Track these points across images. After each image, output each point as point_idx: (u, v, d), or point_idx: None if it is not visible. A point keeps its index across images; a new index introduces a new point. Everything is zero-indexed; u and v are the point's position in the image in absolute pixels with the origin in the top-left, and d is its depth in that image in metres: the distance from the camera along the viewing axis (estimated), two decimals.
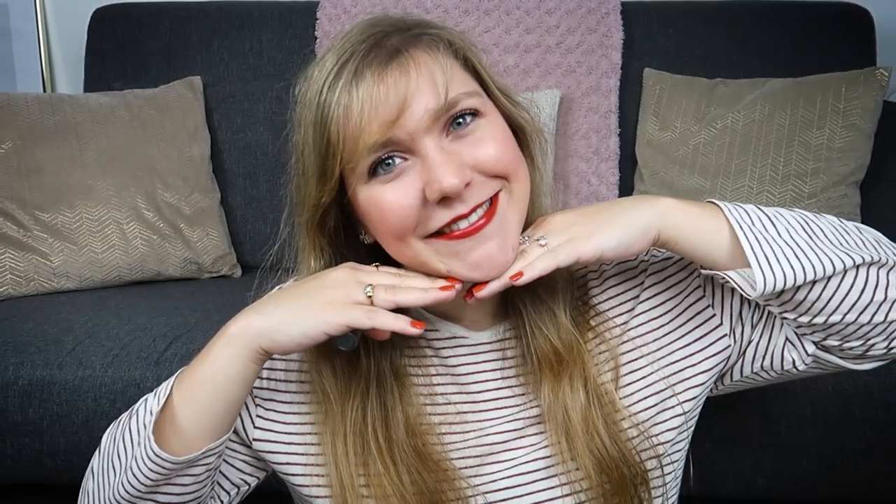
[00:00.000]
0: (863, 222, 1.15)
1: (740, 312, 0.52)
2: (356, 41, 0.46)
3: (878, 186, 1.11)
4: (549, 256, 0.46)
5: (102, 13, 1.34)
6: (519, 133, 0.50)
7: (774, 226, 0.46)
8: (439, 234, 0.46)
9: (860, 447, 0.80)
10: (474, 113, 0.46)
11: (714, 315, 0.52)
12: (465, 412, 0.52)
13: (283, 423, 0.52)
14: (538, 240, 0.48)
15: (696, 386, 0.52)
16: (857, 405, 0.79)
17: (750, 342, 0.52)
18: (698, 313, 0.52)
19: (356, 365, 0.50)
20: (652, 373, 0.51)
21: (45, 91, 1.47)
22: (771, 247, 0.45)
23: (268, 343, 0.46)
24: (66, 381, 0.83)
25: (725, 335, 0.52)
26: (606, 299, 0.54)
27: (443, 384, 0.52)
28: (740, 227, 0.45)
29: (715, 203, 0.48)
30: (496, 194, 0.47)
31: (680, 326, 0.52)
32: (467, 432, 0.51)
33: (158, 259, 1.14)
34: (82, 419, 0.83)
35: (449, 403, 0.51)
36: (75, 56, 1.42)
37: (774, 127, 1.12)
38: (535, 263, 0.46)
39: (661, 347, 0.52)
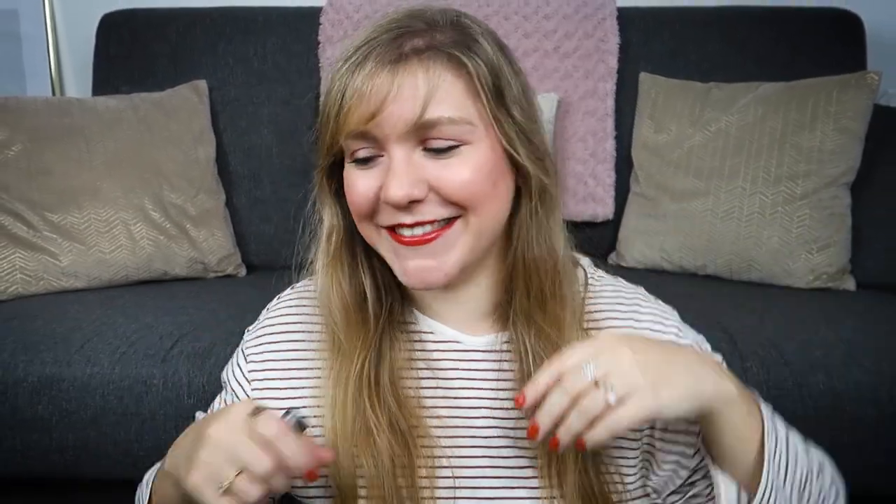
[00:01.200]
0: (853, 223, 1.18)
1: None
2: (383, 28, 0.47)
3: (869, 188, 1.12)
4: (613, 422, 0.42)
5: (110, 18, 1.36)
6: (521, 171, 0.49)
7: (786, 474, 0.46)
8: (392, 229, 0.48)
9: (850, 442, 0.81)
10: (455, 141, 0.46)
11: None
12: (443, 406, 0.52)
13: (279, 388, 0.53)
14: (605, 391, 0.42)
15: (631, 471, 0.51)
16: (847, 402, 0.80)
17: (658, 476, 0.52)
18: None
19: (367, 317, 0.52)
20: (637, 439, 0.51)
21: (53, 94, 1.49)
22: (774, 491, 0.45)
23: None
24: (75, 379, 0.84)
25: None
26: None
27: (427, 383, 0.53)
28: (769, 461, 0.45)
29: (761, 412, 0.47)
30: (455, 218, 0.47)
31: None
32: (450, 408, 0.51)
33: (165, 259, 1.16)
34: (90, 416, 0.84)
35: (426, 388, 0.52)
36: (83, 60, 1.44)
37: (767, 129, 1.14)
38: (598, 431, 0.42)
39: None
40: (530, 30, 1.28)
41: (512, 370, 0.52)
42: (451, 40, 0.47)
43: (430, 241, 0.47)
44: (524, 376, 0.50)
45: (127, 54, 1.34)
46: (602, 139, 1.27)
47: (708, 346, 0.55)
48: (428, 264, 0.47)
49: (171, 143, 1.21)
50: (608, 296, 0.55)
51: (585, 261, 0.57)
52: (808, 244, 1.09)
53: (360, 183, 0.47)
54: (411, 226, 0.47)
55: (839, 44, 1.24)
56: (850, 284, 1.10)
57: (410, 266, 0.47)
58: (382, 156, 0.47)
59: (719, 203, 1.14)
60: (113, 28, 1.35)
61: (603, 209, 1.27)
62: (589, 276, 0.56)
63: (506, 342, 0.53)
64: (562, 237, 0.52)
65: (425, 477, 0.50)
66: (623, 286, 0.57)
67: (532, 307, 0.51)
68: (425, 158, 0.46)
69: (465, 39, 0.48)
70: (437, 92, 0.45)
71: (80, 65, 1.48)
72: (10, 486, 0.93)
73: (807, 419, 0.81)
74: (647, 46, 1.30)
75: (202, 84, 1.29)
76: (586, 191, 1.26)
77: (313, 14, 1.33)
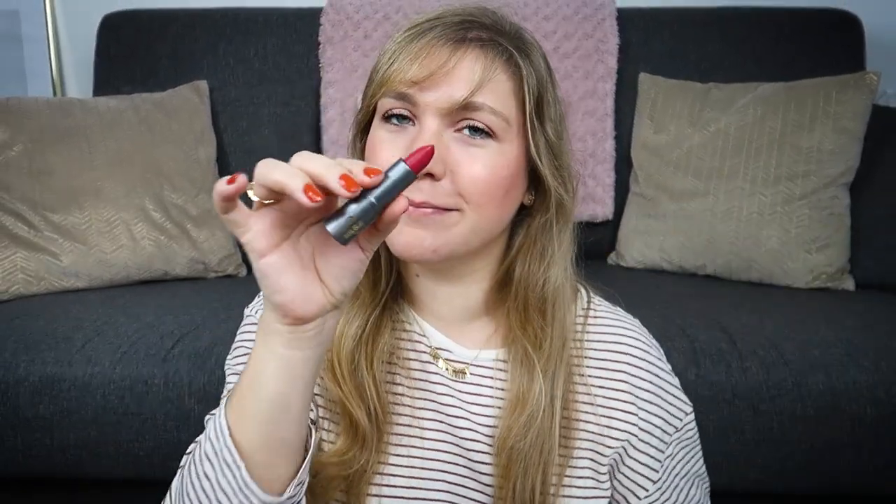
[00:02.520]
0: (852, 223, 1.18)
1: None
2: (450, 12, 0.49)
3: (868, 188, 1.12)
4: None
5: (111, 19, 1.36)
6: (540, 186, 0.50)
7: None
8: None
9: (848, 441, 0.81)
10: (489, 133, 0.47)
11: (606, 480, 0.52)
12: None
13: None
14: None
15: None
16: (845, 401, 0.80)
17: None
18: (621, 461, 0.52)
19: (378, 277, 0.52)
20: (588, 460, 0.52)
21: (55, 95, 1.49)
22: None
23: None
24: (76, 378, 0.84)
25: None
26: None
27: (399, 381, 0.53)
28: None
29: None
30: (455, 210, 0.46)
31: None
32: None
33: (166, 259, 1.16)
34: (91, 415, 0.84)
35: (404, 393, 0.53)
36: (85, 61, 1.44)
37: (766, 130, 1.14)
38: None
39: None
40: (530, 30, 1.28)
41: (492, 387, 0.53)
42: (513, 44, 0.49)
43: (426, 214, 0.46)
44: (507, 395, 0.51)
45: (128, 55, 1.34)
46: (601, 139, 1.27)
47: (683, 396, 0.55)
48: (420, 234, 0.46)
49: (172, 144, 1.21)
50: (605, 330, 0.55)
51: (584, 292, 0.57)
52: (807, 244, 1.09)
53: (385, 141, 0.47)
54: (418, 205, 0.46)
55: (838, 44, 1.24)
56: (849, 284, 1.10)
57: (404, 233, 0.46)
58: (414, 124, 0.47)
59: (719, 203, 1.14)
60: (114, 29, 1.35)
61: (602, 209, 1.27)
62: (588, 303, 0.55)
63: (494, 360, 0.53)
64: (565, 260, 0.52)
65: (382, 462, 0.51)
66: (622, 322, 0.56)
67: (516, 323, 0.51)
68: (453, 142, 0.47)
69: (525, 47, 0.50)
70: (490, 82, 0.47)
71: (81, 65, 1.48)
72: (11, 486, 0.94)
73: (806, 419, 0.81)
74: (646, 47, 1.30)
75: (203, 84, 1.29)
76: (586, 191, 1.26)
77: (314, 15, 1.34)
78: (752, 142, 1.14)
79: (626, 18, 1.30)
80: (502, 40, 0.49)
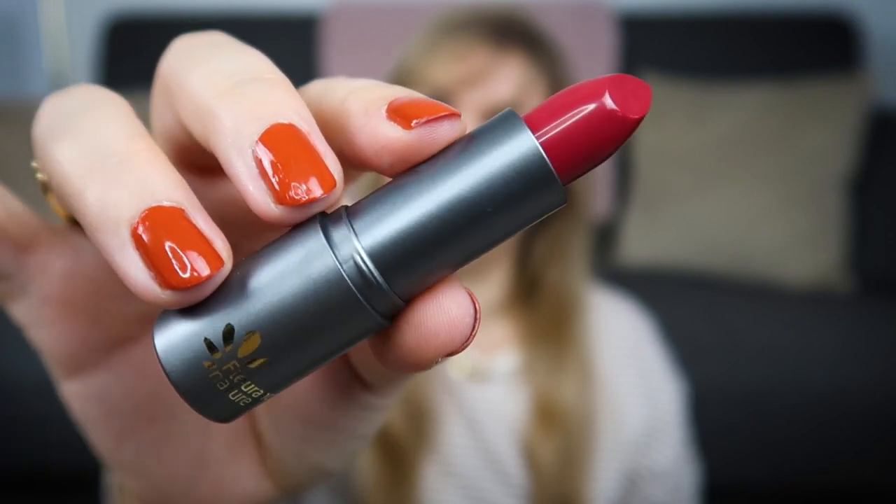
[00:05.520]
0: (853, 223, 1.17)
1: None
2: (488, 11, 0.47)
3: (869, 188, 1.12)
4: None
5: (111, 21, 1.37)
6: None
7: None
8: None
9: (851, 442, 0.81)
10: None
11: None
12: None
13: None
14: None
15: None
16: (845, 401, 0.80)
17: None
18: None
19: None
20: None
21: None
22: None
23: None
24: None
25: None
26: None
27: None
28: None
29: None
30: None
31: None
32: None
33: None
34: None
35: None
36: (84, 63, 1.45)
37: (767, 129, 1.14)
38: None
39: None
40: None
41: (514, 392, 0.50)
42: (551, 52, 0.48)
43: None
44: (529, 406, 0.48)
45: (127, 57, 1.35)
46: None
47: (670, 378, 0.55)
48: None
49: None
50: (612, 316, 0.53)
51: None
52: (807, 244, 1.09)
53: None
54: None
55: (838, 44, 1.25)
56: (849, 284, 1.10)
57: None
58: None
59: (719, 203, 1.14)
60: (113, 31, 1.36)
61: (602, 209, 1.27)
62: (595, 295, 0.54)
63: (513, 363, 0.50)
64: (586, 259, 0.50)
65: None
66: (624, 304, 0.55)
67: (538, 325, 0.49)
68: None
69: (560, 55, 0.49)
70: (533, 84, 0.45)
71: (81, 67, 1.49)
72: (11, 485, 0.94)
73: (807, 419, 0.81)
74: (646, 46, 1.31)
75: None
76: None
77: (317, 22, 1.34)
78: (753, 142, 1.14)
79: (626, 18, 1.31)
80: (542, 47, 0.47)
